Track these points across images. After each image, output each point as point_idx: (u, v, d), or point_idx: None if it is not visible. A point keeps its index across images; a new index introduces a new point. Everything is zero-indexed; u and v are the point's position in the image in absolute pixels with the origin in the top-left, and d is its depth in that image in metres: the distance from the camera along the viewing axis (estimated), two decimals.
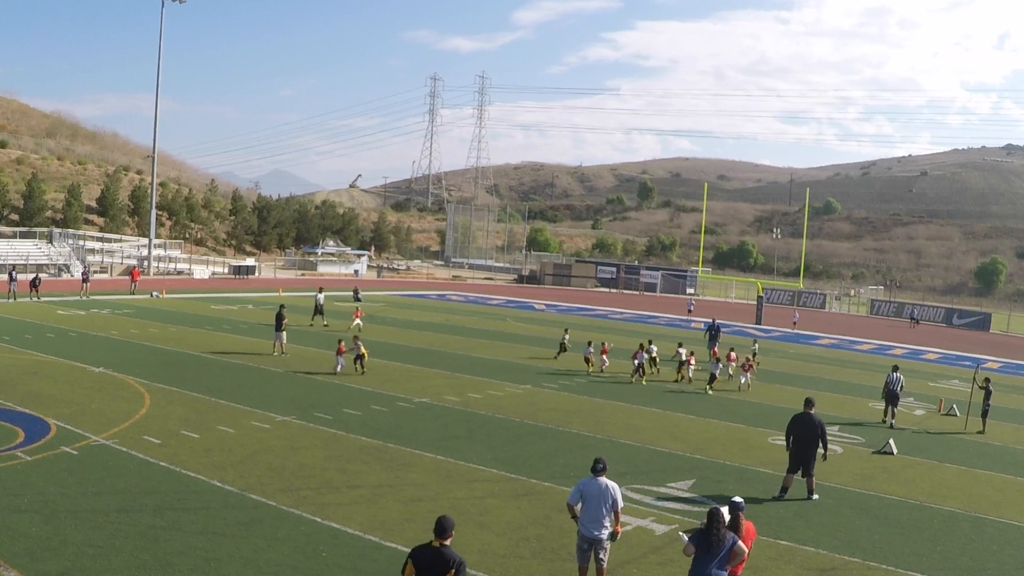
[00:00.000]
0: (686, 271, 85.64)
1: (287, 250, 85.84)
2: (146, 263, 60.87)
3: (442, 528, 7.22)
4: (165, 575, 9.48)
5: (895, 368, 22.66)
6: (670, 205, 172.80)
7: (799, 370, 31.34)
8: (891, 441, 18.60)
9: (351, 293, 45.49)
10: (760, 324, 51.21)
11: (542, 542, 11.31)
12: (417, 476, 13.97)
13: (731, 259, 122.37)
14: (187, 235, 78.17)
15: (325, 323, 34.78)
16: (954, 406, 24.25)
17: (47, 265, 55.21)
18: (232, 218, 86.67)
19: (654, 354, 26.89)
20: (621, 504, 9.50)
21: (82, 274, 44.31)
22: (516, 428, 18.16)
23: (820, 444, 14.29)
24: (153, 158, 66.59)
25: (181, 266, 65.11)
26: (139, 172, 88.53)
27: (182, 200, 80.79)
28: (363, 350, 23.88)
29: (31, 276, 41.08)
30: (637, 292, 78.40)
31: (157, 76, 60.99)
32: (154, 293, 44.53)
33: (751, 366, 26.17)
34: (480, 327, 38.60)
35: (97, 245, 63.68)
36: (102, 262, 60.55)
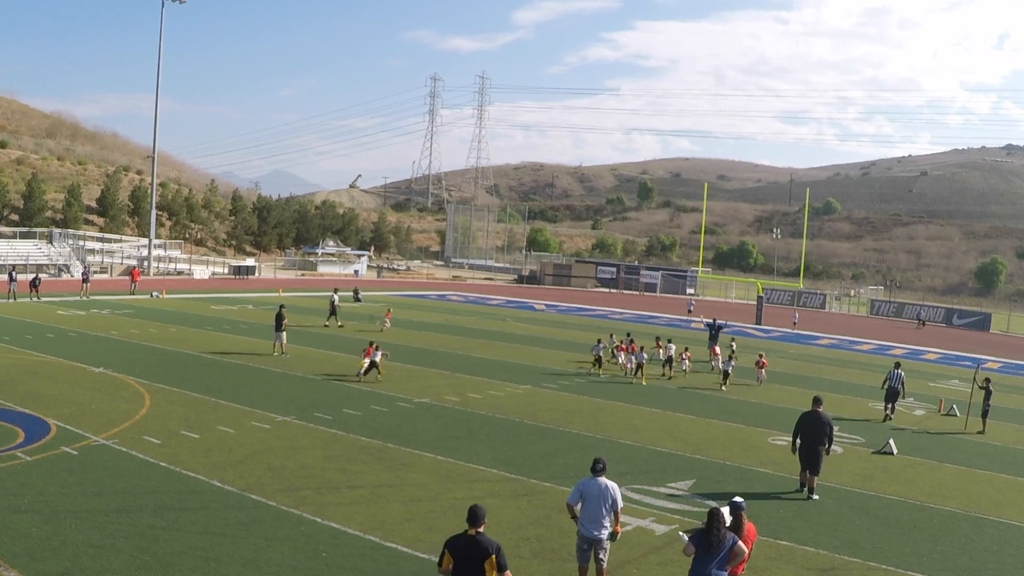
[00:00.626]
0: (686, 271, 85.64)
1: (287, 250, 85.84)
2: (146, 263, 60.87)
3: (475, 517, 7.43)
4: (165, 575, 9.48)
5: (897, 365, 23.00)
6: (670, 205, 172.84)
7: (799, 370, 31.33)
8: (891, 441, 18.61)
9: (350, 293, 45.52)
10: (760, 324, 51.20)
11: (542, 542, 11.31)
12: (417, 476, 13.97)
13: (731, 259, 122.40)
14: (187, 235, 78.16)
15: (340, 324, 34.84)
16: (954, 406, 24.25)
17: (47, 265, 55.21)
18: (232, 218, 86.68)
19: (671, 352, 27.43)
20: (621, 504, 9.50)
21: (82, 274, 44.31)
22: (516, 428, 18.16)
23: (827, 442, 14.48)
24: (153, 158, 66.58)
25: (181, 266, 65.11)
26: (139, 172, 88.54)
27: (182, 200, 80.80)
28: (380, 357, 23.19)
29: (31, 276, 41.09)
30: (637, 292, 78.40)
31: (157, 76, 61.09)
32: (154, 293, 44.53)
33: (764, 363, 27.21)
34: (480, 327, 38.60)
35: (97, 245, 63.67)
36: (102, 262, 60.54)
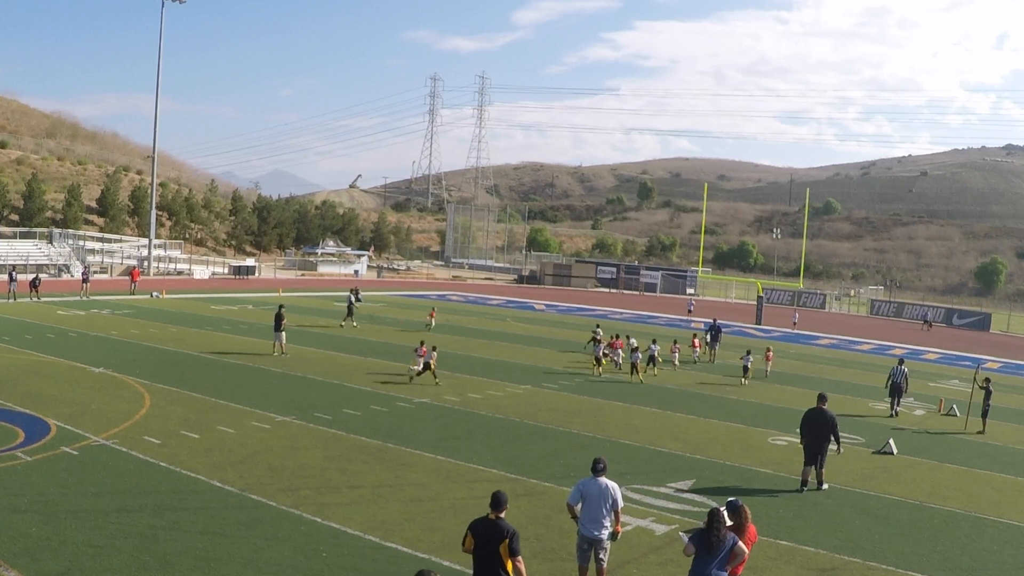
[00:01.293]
0: (686, 271, 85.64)
1: (287, 250, 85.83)
2: (146, 263, 60.86)
3: (497, 502, 8.01)
4: (165, 575, 9.48)
5: (900, 361, 23.21)
6: (670, 205, 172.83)
7: (799, 370, 31.34)
8: (891, 441, 18.62)
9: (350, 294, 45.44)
10: (760, 324, 51.21)
11: (542, 542, 11.31)
12: (417, 476, 13.97)
13: (731, 259, 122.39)
14: (187, 235, 78.14)
15: (355, 324, 34.88)
16: (954, 406, 24.26)
17: (47, 265, 55.21)
18: (232, 218, 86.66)
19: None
20: (621, 504, 9.50)
21: (82, 274, 44.29)
22: (516, 428, 18.16)
23: (833, 439, 14.72)
24: (153, 158, 66.59)
25: (181, 266, 65.10)
26: (139, 172, 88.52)
27: (182, 200, 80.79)
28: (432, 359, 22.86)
29: (31, 276, 41.08)
30: (637, 292, 78.41)
31: (157, 76, 61.08)
32: (154, 293, 44.54)
33: (770, 357, 28.78)
34: (480, 327, 38.60)
35: (97, 245, 63.65)
36: (102, 262, 60.53)
